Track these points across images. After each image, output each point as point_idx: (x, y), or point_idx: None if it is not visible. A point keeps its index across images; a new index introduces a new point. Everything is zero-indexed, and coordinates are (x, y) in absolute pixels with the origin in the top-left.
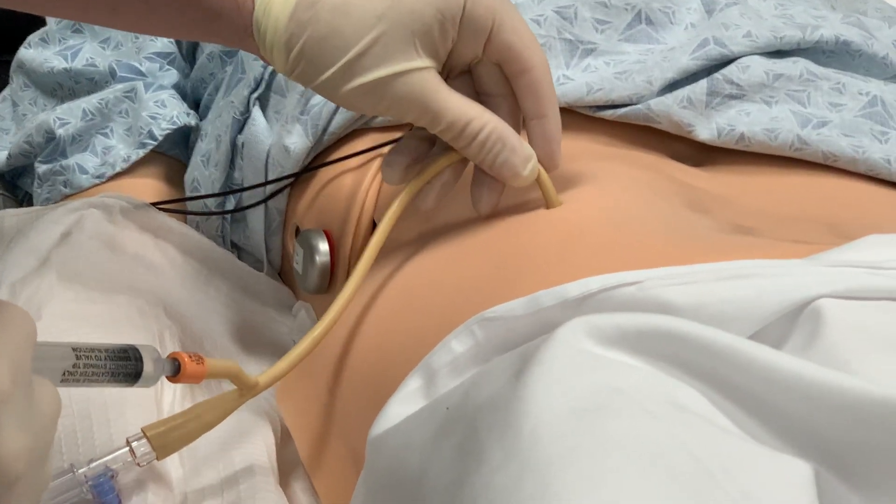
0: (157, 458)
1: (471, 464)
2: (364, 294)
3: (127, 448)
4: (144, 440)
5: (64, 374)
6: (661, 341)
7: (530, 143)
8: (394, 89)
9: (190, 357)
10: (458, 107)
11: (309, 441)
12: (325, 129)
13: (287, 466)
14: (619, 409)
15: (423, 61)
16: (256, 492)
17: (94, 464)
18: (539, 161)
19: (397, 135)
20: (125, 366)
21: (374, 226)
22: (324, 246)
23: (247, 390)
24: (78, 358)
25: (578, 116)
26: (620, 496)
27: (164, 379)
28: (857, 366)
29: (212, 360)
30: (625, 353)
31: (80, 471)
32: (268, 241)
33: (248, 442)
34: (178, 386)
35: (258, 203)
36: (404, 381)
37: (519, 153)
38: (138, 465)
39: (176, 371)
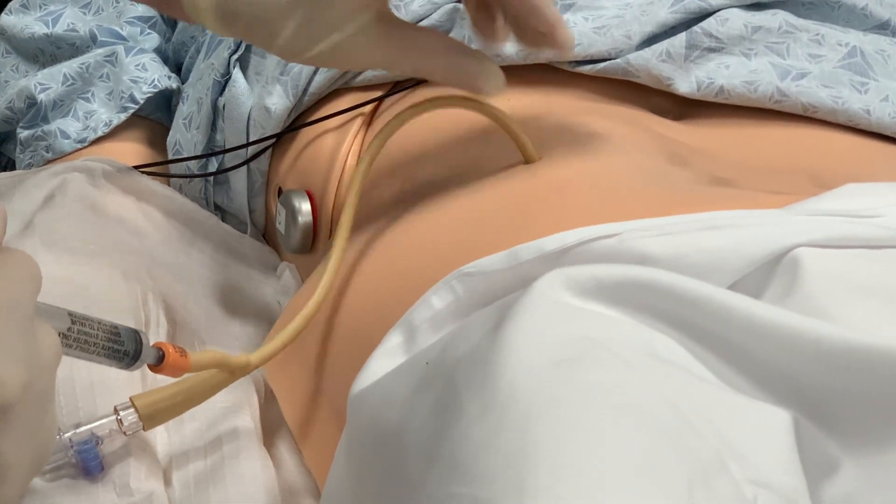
0: (144, 429)
1: (450, 417)
2: (347, 254)
3: (114, 416)
4: (132, 409)
5: (58, 334)
6: (639, 292)
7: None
8: (340, 56)
9: (174, 349)
10: (404, 59)
11: (294, 402)
12: (305, 90)
13: (271, 426)
14: (597, 360)
15: (361, 16)
16: (240, 451)
17: (80, 429)
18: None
19: (378, 94)
20: (118, 343)
21: None
22: (306, 206)
23: (238, 370)
24: (73, 323)
25: (557, 72)
26: (599, 445)
27: None
28: (835, 313)
29: (196, 354)
30: (602, 305)
31: (66, 435)
32: (251, 202)
33: (232, 403)
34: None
35: (240, 165)
36: (385, 337)
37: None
38: (125, 433)
39: (159, 361)
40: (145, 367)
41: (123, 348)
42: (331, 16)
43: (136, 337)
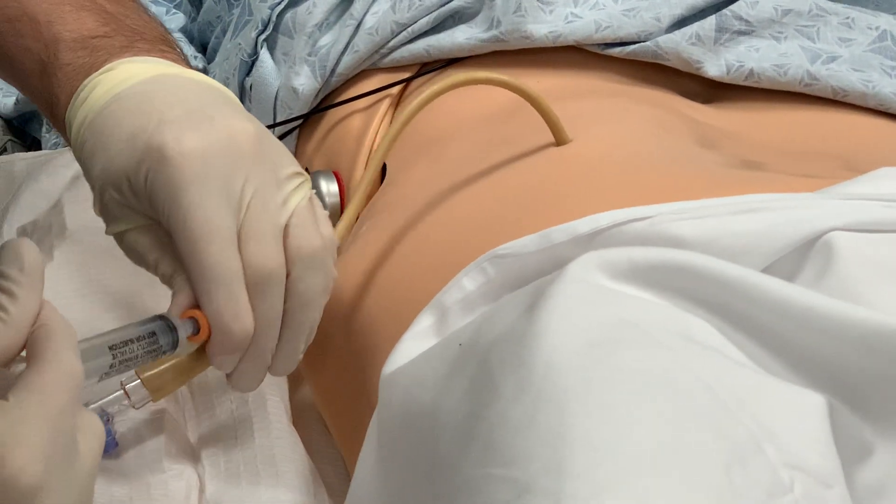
0: (153, 400)
1: (485, 399)
2: (377, 235)
3: (121, 391)
4: (139, 382)
5: (100, 376)
6: (673, 275)
7: None
8: (123, 243)
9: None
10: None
11: (322, 382)
12: (333, 70)
13: (300, 407)
14: (633, 342)
15: (126, 223)
16: (271, 431)
17: (90, 407)
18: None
19: (405, 75)
20: (156, 346)
21: (383, 166)
22: (333, 187)
23: None
24: (114, 357)
25: (587, 54)
26: (636, 427)
27: None
28: (869, 298)
29: (195, 363)
30: (637, 287)
31: None
32: None
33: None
34: None
35: None
36: (416, 318)
37: None
38: (134, 407)
39: (195, 331)
40: None
41: (161, 346)
42: (116, 208)
43: (169, 326)
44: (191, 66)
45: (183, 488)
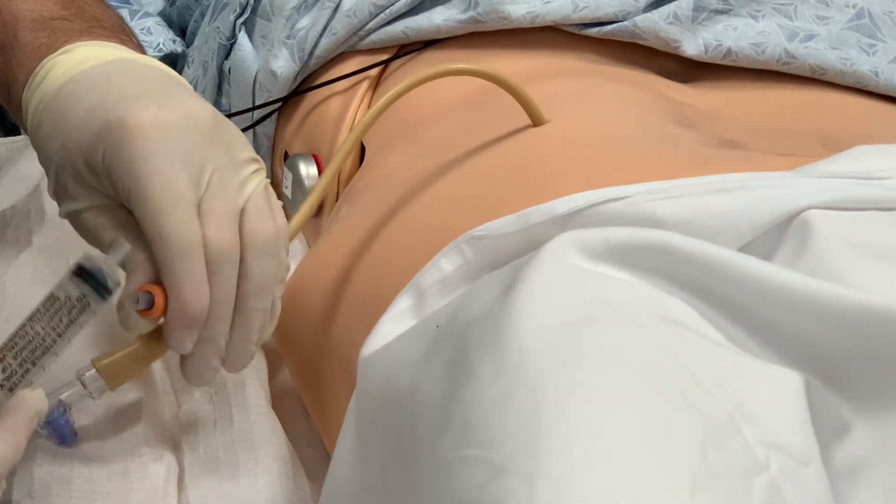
0: (110, 389)
1: (461, 380)
2: (355, 217)
3: (77, 381)
4: (95, 371)
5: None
6: (650, 255)
7: None
8: (79, 224)
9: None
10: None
11: (302, 365)
12: (311, 53)
13: (280, 391)
14: (609, 322)
15: (83, 201)
16: (250, 415)
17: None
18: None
19: (384, 57)
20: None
21: (362, 149)
22: (312, 170)
23: None
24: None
25: (564, 34)
26: (612, 407)
27: None
28: (846, 276)
29: (150, 350)
30: (613, 267)
31: None
32: None
33: None
34: None
35: (246, 129)
36: (394, 300)
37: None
38: (92, 397)
39: (150, 305)
40: None
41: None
42: (74, 186)
43: (84, 276)
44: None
45: (162, 472)
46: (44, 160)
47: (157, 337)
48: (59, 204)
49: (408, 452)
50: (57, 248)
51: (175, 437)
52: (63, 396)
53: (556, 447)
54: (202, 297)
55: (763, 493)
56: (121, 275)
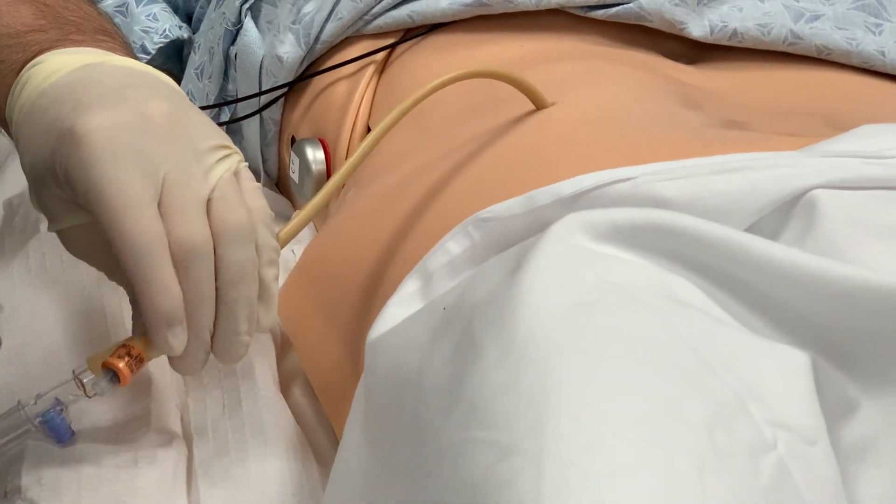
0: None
1: (468, 362)
2: (363, 200)
3: (73, 380)
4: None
5: None
6: (656, 235)
7: None
8: (66, 242)
9: (123, 358)
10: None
11: (309, 346)
12: (317, 38)
13: (288, 375)
14: (616, 303)
15: (65, 219)
16: (258, 399)
17: (43, 396)
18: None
19: (390, 41)
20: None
21: (369, 133)
22: (319, 154)
23: None
24: None
25: (570, 17)
26: (619, 388)
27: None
28: (852, 255)
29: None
30: (619, 248)
31: (28, 407)
32: (263, 151)
33: (249, 351)
34: None
35: (253, 114)
36: (402, 283)
37: None
38: (88, 396)
39: (115, 382)
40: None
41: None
42: (52, 205)
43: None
44: (132, 54)
45: (171, 458)
46: (26, 177)
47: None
48: (47, 219)
49: (415, 435)
50: None
51: (184, 423)
52: (59, 395)
53: (564, 429)
54: (172, 295)
55: (771, 473)
56: None
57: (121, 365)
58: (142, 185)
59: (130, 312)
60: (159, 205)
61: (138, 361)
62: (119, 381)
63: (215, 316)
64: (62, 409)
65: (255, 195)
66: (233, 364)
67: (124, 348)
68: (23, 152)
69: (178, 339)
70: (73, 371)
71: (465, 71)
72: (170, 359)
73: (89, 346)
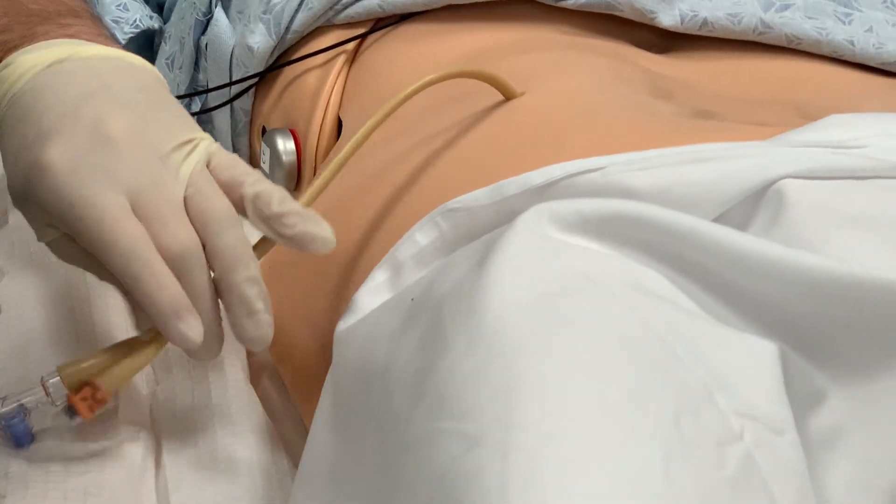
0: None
1: (436, 353)
2: (329, 191)
3: (40, 387)
4: (58, 379)
5: None
6: (624, 225)
7: None
8: (57, 251)
9: (84, 395)
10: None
11: (280, 337)
12: (287, 28)
13: (258, 365)
14: (583, 293)
15: (52, 231)
16: (227, 383)
17: (6, 403)
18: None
19: (360, 31)
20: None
21: (339, 123)
22: (290, 145)
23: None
24: None
25: (540, 6)
26: (586, 378)
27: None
28: (820, 244)
29: (113, 372)
30: (587, 239)
31: None
32: (234, 142)
33: None
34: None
35: (223, 104)
36: (370, 274)
37: None
38: (54, 404)
39: (73, 415)
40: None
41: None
42: (34, 223)
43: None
44: (103, 32)
45: (139, 450)
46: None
47: (128, 350)
48: (35, 231)
49: (383, 426)
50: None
51: (152, 414)
52: (25, 401)
53: (530, 418)
54: (169, 286)
55: (737, 463)
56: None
57: (82, 407)
58: (112, 198)
59: (117, 310)
60: (137, 216)
61: (99, 403)
62: (79, 415)
63: (226, 305)
64: (25, 415)
65: (233, 168)
66: (264, 347)
67: (89, 388)
68: (3, 163)
69: (192, 329)
70: (42, 378)
71: (438, 74)
72: (187, 353)
73: (73, 341)
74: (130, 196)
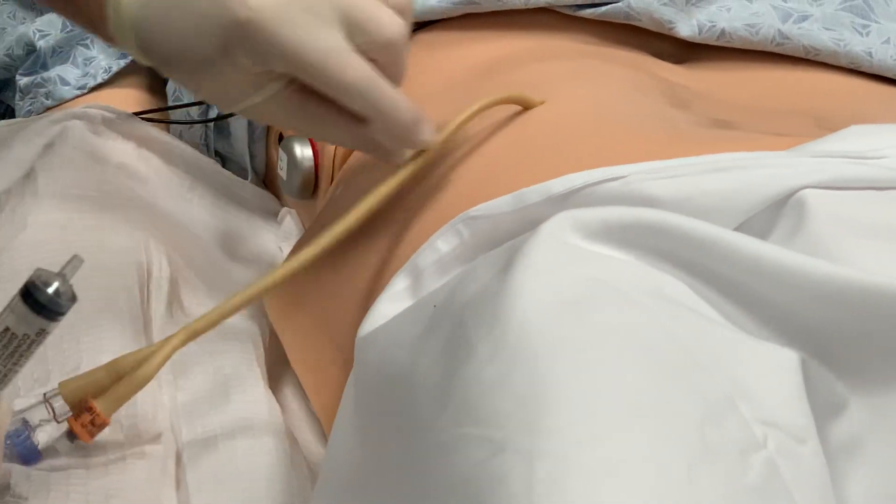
0: (75, 417)
1: (460, 359)
2: (349, 197)
3: (43, 403)
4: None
5: None
6: (646, 234)
7: None
8: (259, 116)
9: (84, 422)
10: (313, 131)
11: (297, 343)
12: None
13: (276, 371)
14: (606, 301)
15: (265, 90)
16: (247, 388)
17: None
18: None
19: None
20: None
21: None
22: (307, 151)
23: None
24: None
25: (559, 16)
26: (610, 385)
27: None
28: (841, 254)
29: (114, 390)
30: (610, 247)
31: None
32: (251, 148)
33: (235, 344)
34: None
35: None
36: (391, 280)
37: None
38: (57, 421)
39: (71, 439)
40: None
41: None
42: (233, 89)
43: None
44: None
45: (160, 452)
46: (176, 79)
47: (129, 366)
48: (223, 107)
49: (406, 432)
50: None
51: (173, 418)
52: (27, 417)
53: (556, 425)
54: (405, 100)
55: (760, 471)
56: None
57: (82, 432)
58: (329, 34)
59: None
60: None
61: (99, 427)
62: (78, 437)
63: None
64: (29, 431)
65: None
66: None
67: (88, 414)
68: (162, 42)
69: (429, 131)
70: (45, 395)
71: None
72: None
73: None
74: (340, 15)
